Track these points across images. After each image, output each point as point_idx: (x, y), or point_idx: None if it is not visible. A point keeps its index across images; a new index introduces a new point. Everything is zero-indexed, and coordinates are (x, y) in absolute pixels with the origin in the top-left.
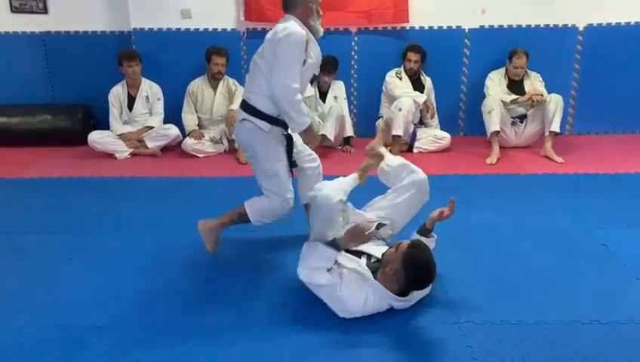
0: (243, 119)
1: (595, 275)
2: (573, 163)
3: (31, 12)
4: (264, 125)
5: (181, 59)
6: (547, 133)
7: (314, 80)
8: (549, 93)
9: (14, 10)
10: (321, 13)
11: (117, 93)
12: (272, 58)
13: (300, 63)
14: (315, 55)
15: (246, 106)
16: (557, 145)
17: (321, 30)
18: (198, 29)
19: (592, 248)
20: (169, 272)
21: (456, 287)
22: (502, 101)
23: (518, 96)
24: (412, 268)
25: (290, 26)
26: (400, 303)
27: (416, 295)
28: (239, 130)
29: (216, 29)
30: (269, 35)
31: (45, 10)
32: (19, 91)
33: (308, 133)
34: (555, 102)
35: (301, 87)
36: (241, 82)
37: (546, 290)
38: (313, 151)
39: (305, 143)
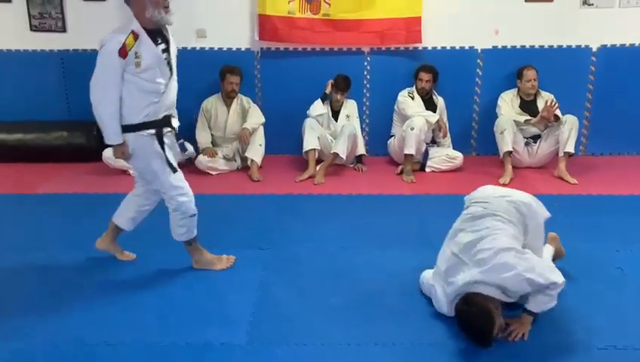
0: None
1: (612, 299)
2: (587, 184)
3: (50, 31)
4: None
5: (196, 78)
6: (561, 154)
7: (326, 98)
8: (562, 114)
9: (34, 28)
10: (158, 1)
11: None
12: None
13: (115, 75)
14: (151, 54)
15: None
16: (571, 166)
17: (167, 18)
18: (213, 48)
19: (608, 271)
20: (181, 290)
21: None
22: (514, 121)
23: (530, 118)
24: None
25: (109, 37)
26: None
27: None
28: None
29: (231, 48)
30: None
31: (64, 29)
32: (35, 108)
33: (116, 149)
34: (570, 123)
35: (148, 91)
36: (255, 101)
37: (560, 314)
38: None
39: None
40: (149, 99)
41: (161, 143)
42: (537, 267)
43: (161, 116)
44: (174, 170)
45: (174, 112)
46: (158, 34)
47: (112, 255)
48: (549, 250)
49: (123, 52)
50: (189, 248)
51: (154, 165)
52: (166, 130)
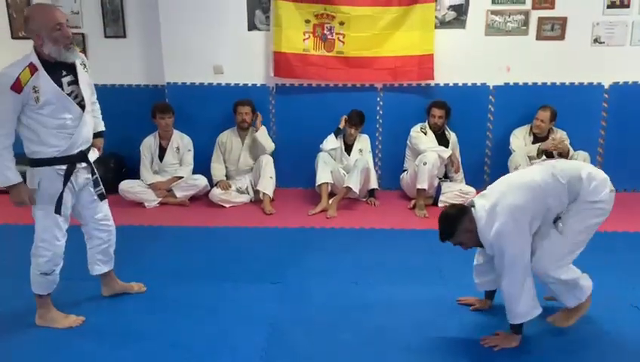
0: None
1: (628, 339)
2: None
3: None
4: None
5: (212, 113)
6: None
7: (339, 133)
8: (575, 150)
9: None
10: (63, 33)
11: (149, 144)
12: None
13: (7, 111)
14: (50, 88)
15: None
16: None
17: (67, 55)
18: (229, 83)
19: (623, 310)
20: (192, 324)
21: (477, 345)
22: (528, 157)
23: (539, 143)
24: None
25: (3, 71)
26: None
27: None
28: None
29: (247, 84)
30: None
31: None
32: None
33: (12, 190)
34: (582, 159)
35: (54, 127)
36: (270, 135)
37: (575, 355)
38: (110, 217)
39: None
40: (57, 135)
41: (66, 182)
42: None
43: (75, 151)
44: (57, 212)
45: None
46: (62, 66)
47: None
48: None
49: (17, 87)
50: (39, 305)
51: (38, 205)
52: (80, 165)
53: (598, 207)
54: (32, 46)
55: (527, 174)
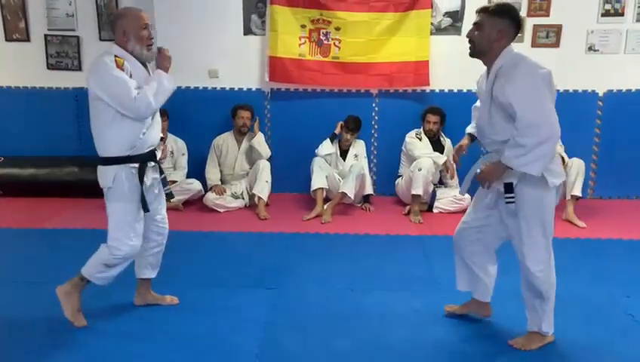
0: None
1: (623, 348)
2: (596, 228)
3: (66, 69)
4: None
5: (207, 117)
6: (568, 197)
7: (335, 138)
8: (569, 157)
9: (50, 67)
10: (148, 35)
11: None
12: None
13: (124, 75)
14: (142, 76)
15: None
16: (578, 209)
17: (148, 55)
18: (225, 88)
19: (618, 318)
20: (185, 328)
21: (475, 351)
22: None
23: None
24: None
25: (97, 59)
26: None
27: None
28: None
29: (242, 88)
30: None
31: (79, 68)
32: (48, 144)
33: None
34: (576, 167)
35: (132, 126)
36: (265, 139)
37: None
38: (167, 220)
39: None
40: (136, 131)
41: (141, 180)
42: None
43: (146, 150)
44: (146, 210)
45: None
46: (142, 65)
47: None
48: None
49: (118, 67)
50: (75, 283)
51: (113, 202)
52: (150, 164)
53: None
54: (114, 44)
55: None
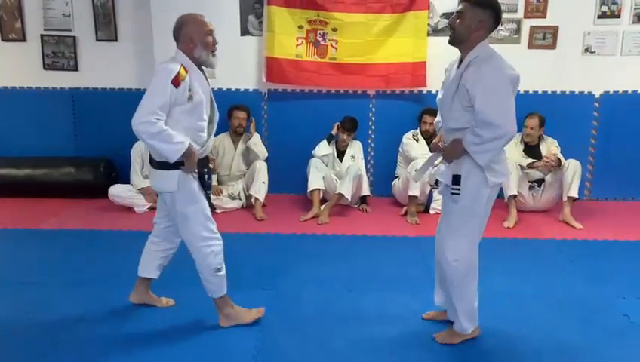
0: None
1: (619, 349)
2: (593, 229)
3: (62, 69)
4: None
5: None
6: (565, 199)
7: (331, 139)
8: (566, 158)
9: (46, 67)
10: (213, 41)
11: (139, 148)
12: None
13: (165, 96)
14: (204, 88)
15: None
16: (575, 211)
17: (213, 61)
18: (222, 88)
19: (614, 319)
20: (182, 331)
21: (473, 354)
22: (519, 165)
23: (534, 160)
24: None
25: (163, 65)
26: None
27: None
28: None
29: (239, 89)
30: None
31: (76, 68)
32: (45, 144)
33: (188, 158)
34: (573, 168)
35: (193, 129)
36: (262, 141)
37: None
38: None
39: (186, 169)
40: (195, 137)
41: (202, 184)
42: None
43: (204, 155)
44: (212, 209)
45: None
46: (202, 72)
47: (110, 290)
48: None
49: (176, 81)
50: (222, 305)
51: (189, 208)
52: (205, 170)
53: None
54: (178, 50)
55: None
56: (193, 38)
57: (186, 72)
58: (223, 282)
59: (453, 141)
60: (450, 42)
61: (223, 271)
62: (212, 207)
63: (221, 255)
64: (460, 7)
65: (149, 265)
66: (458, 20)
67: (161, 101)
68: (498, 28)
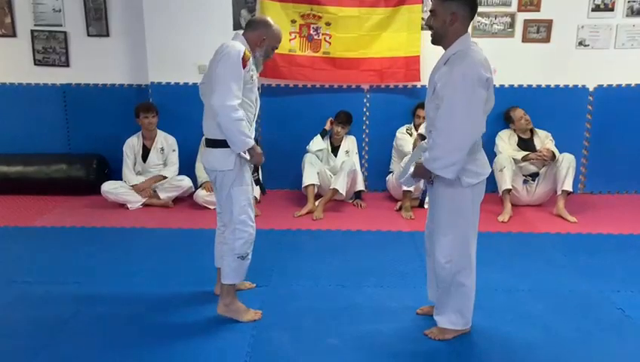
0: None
1: (614, 342)
2: (587, 223)
3: (53, 65)
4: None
5: (196, 113)
6: (559, 192)
7: (325, 134)
8: (560, 152)
9: (37, 63)
10: (271, 55)
11: (132, 145)
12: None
13: (240, 77)
14: (254, 76)
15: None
16: (569, 204)
17: (261, 67)
18: None
19: (608, 312)
20: (175, 328)
21: (468, 349)
22: (513, 159)
23: (528, 153)
24: None
25: (230, 43)
26: None
27: None
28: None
29: None
30: (212, 58)
31: (67, 64)
32: (36, 140)
33: (254, 153)
34: (567, 162)
35: (248, 105)
36: (255, 135)
37: (562, 358)
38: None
39: (254, 163)
40: (249, 113)
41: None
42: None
43: (253, 135)
44: (263, 192)
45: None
46: None
47: (104, 288)
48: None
49: (244, 62)
50: (226, 293)
51: (236, 189)
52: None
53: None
54: (242, 35)
55: None
56: (265, 41)
57: (249, 52)
58: (241, 271)
59: (419, 165)
60: (433, 42)
61: (247, 262)
62: (262, 189)
63: (251, 244)
64: (432, 6)
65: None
66: (433, 19)
67: (239, 83)
68: (492, 22)
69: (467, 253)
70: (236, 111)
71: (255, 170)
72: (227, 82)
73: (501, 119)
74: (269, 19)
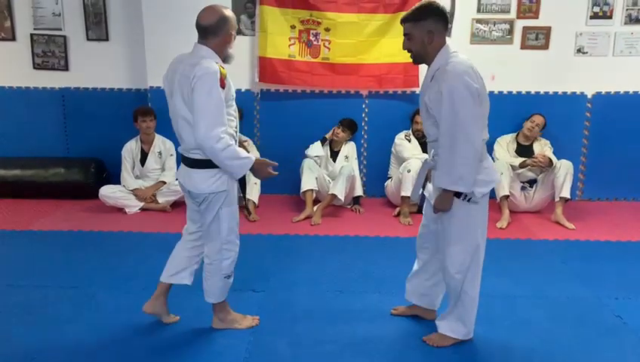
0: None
1: (612, 350)
2: (585, 229)
3: (52, 69)
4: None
5: None
6: (557, 199)
7: (324, 141)
8: (558, 159)
9: (37, 67)
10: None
11: (130, 149)
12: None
13: (221, 101)
14: (233, 87)
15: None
16: (567, 211)
17: (232, 56)
18: None
19: (606, 319)
20: (172, 331)
21: (466, 355)
22: (510, 166)
23: (525, 159)
24: None
25: (199, 66)
26: None
27: None
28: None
29: None
30: (178, 77)
31: (66, 68)
32: (35, 144)
33: (258, 170)
34: (565, 168)
35: (230, 119)
36: (254, 140)
37: None
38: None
39: (260, 178)
40: (233, 132)
41: (241, 184)
42: None
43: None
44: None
45: None
46: None
47: (101, 292)
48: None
49: (222, 82)
50: (219, 309)
51: (225, 209)
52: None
53: None
54: (204, 46)
55: None
56: (232, 33)
57: (224, 69)
58: (226, 289)
59: (438, 196)
60: (415, 63)
61: (231, 280)
62: (249, 212)
63: (235, 262)
64: (404, 30)
65: (185, 270)
66: (409, 42)
67: (221, 109)
68: (491, 29)
69: (478, 262)
70: (220, 140)
71: (241, 185)
72: (205, 110)
73: (505, 125)
74: (221, 11)
